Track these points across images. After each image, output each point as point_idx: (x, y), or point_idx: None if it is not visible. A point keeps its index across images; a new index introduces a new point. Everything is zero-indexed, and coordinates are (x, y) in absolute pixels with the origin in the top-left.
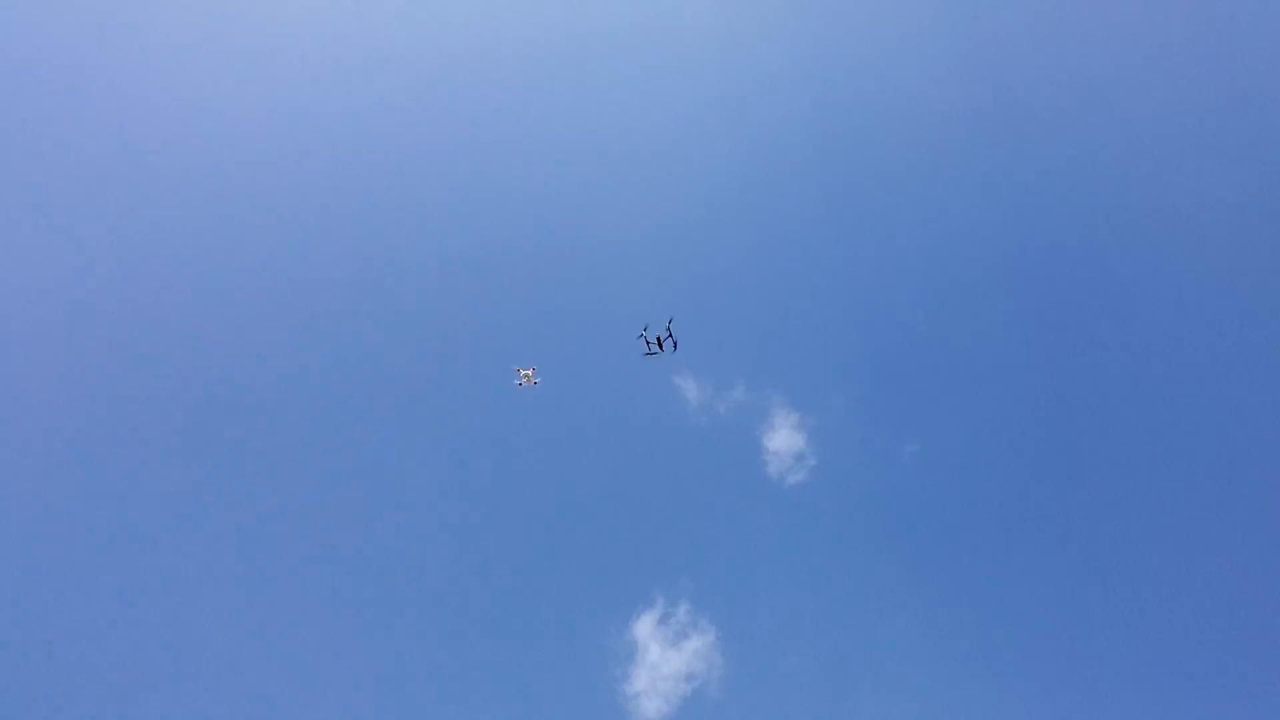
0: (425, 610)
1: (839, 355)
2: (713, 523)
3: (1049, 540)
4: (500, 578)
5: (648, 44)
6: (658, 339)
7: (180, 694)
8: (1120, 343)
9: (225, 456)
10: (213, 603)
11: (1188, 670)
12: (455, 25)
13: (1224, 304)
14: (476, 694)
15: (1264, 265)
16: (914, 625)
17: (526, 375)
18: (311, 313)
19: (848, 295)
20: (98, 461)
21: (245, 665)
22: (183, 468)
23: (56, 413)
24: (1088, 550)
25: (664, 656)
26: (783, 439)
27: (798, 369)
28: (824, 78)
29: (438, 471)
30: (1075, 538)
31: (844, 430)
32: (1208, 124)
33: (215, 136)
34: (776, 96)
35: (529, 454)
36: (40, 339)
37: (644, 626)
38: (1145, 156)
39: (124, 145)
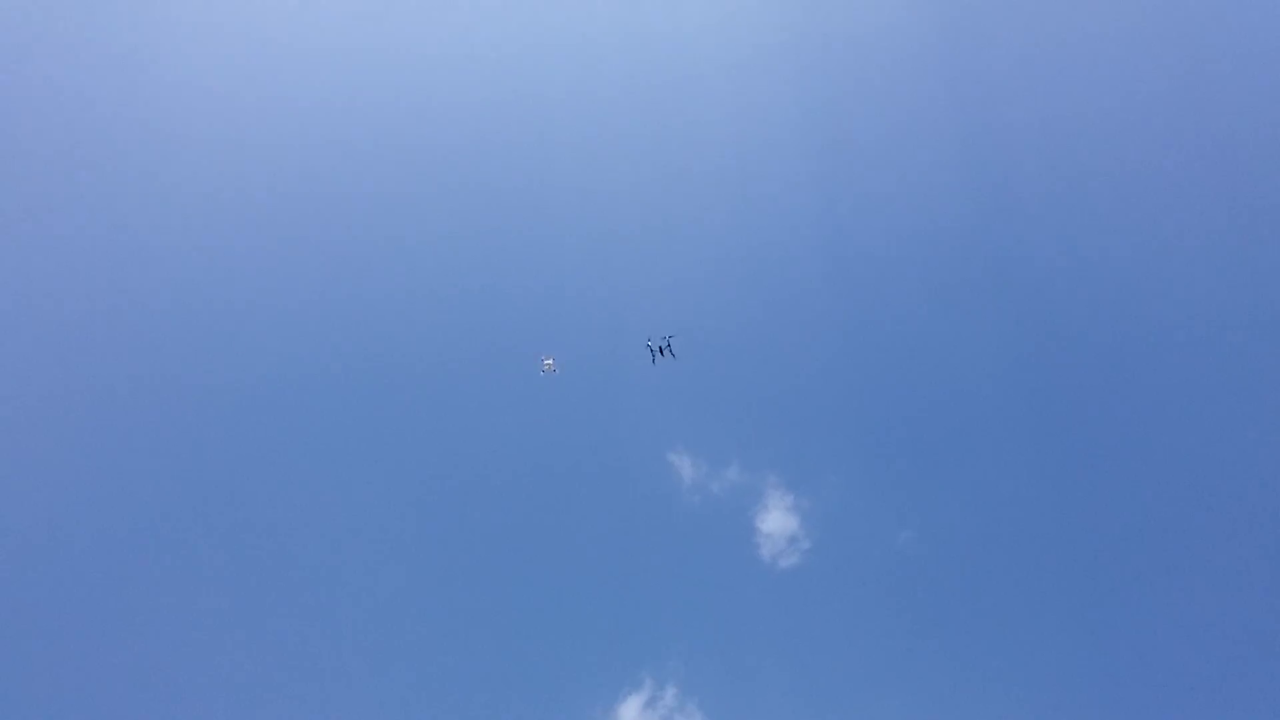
0: (410, 686)
1: (835, 437)
2: (703, 604)
3: (1047, 630)
4: (485, 654)
5: (654, 132)
6: (660, 348)
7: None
8: (1122, 428)
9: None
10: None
11: None
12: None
13: (1233, 401)
14: None
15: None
16: (907, 716)
17: (549, 365)
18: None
19: (845, 377)
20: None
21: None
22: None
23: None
24: (1087, 640)
25: None
26: (776, 521)
27: (793, 450)
28: (825, 158)
29: (426, 546)
30: (1074, 627)
31: (839, 514)
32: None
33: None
34: (774, 177)
35: (519, 527)
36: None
37: (630, 709)
38: (1163, 256)
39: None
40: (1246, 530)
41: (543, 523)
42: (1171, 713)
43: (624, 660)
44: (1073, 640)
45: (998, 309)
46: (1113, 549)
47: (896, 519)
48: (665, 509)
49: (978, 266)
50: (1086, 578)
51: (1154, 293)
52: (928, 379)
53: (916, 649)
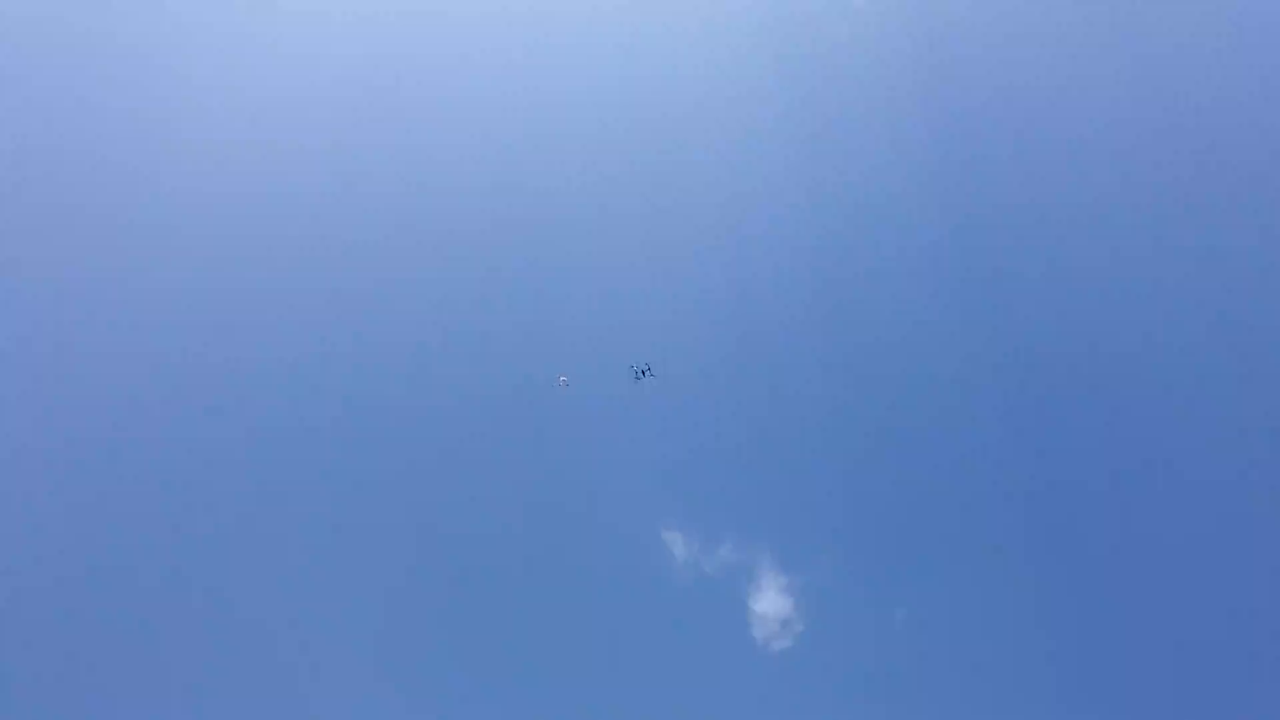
0: None
1: (831, 515)
2: (692, 688)
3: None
4: None
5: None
6: (641, 371)
7: None
8: (1126, 506)
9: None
10: None
11: None
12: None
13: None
14: None
15: None
16: None
17: (563, 381)
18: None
19: (842, 454)
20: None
21: None
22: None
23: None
24: None
25: None
26: (770, 601)
27: (788, 528)
28: (817, 231)
29: (405, 626)
30: (1077, 713)
31: (834, 595)
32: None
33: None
34: (768, 254)
35: (502, 599)
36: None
37: None
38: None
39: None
40: (1257, 620)
41: (527, 597)
42: None
43: None
44: None
45: (998, 390)
46: (1117, 631)
47: (894, 602)
48: (656, 587)
49: (980, 345)
50: (1090, 664)
51: (1171, 367)
52: (927, 458)
53: None
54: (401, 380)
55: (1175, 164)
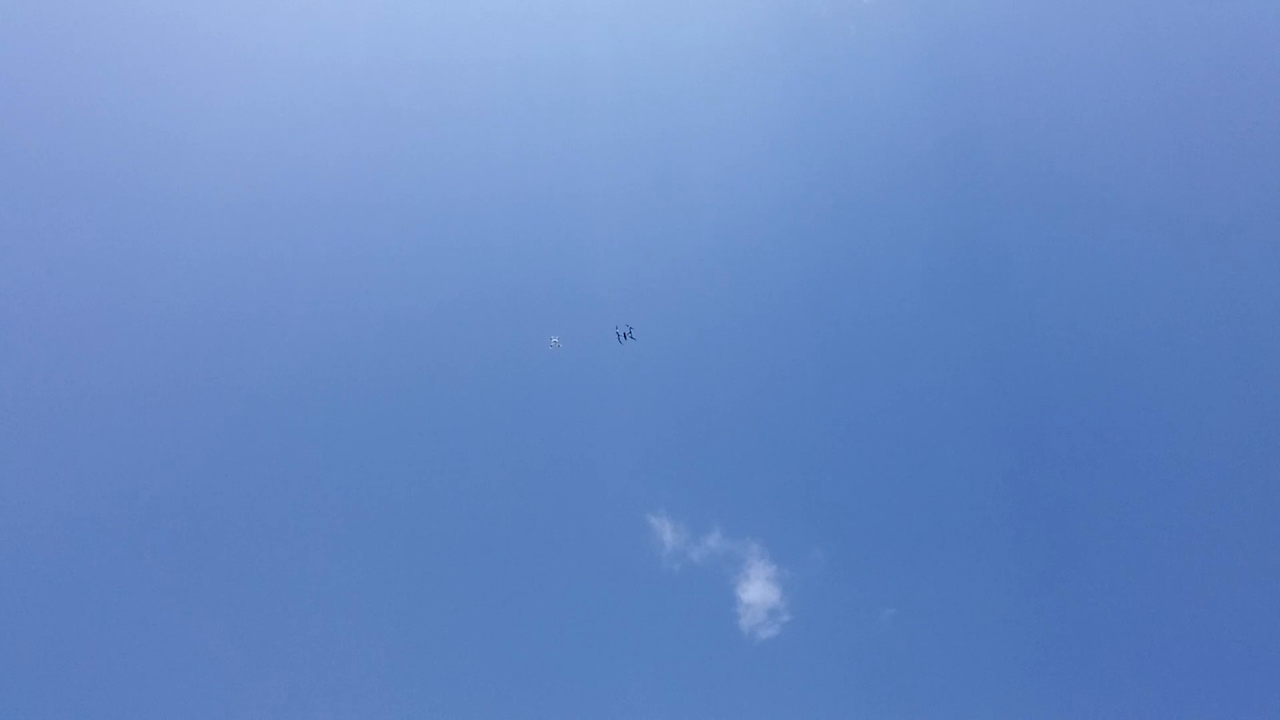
0: None
1: (822, 508)
2: (674, 674)
3: None
4: None
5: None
6: (624, 334)
7: None
8: (1118, 508)
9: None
10: None
11: None
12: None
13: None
14: None
15: None
16: None
17: (555, 343)
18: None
19: (836, 447)
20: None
21: None
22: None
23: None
24: None
25: None
26: (757, 591)
27: (778, 519)
28: (815, 228)
29: (384, 614)
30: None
31: (821, 587)
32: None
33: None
34: (762, 249)
35: (485, 584)
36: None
37: None
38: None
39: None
40: (1250, 624)
41: (511, 586)
42: None
43: None
44: None
45: (993, 388)
46: (1106, 640)
47: (880, 596)
48: (643, 577)
49: (977, 343)
50: (1076, 672)
51: (1165, 367)
52: (921, 456)
53: None
54: (380, 361)
55: (1189, 167)
